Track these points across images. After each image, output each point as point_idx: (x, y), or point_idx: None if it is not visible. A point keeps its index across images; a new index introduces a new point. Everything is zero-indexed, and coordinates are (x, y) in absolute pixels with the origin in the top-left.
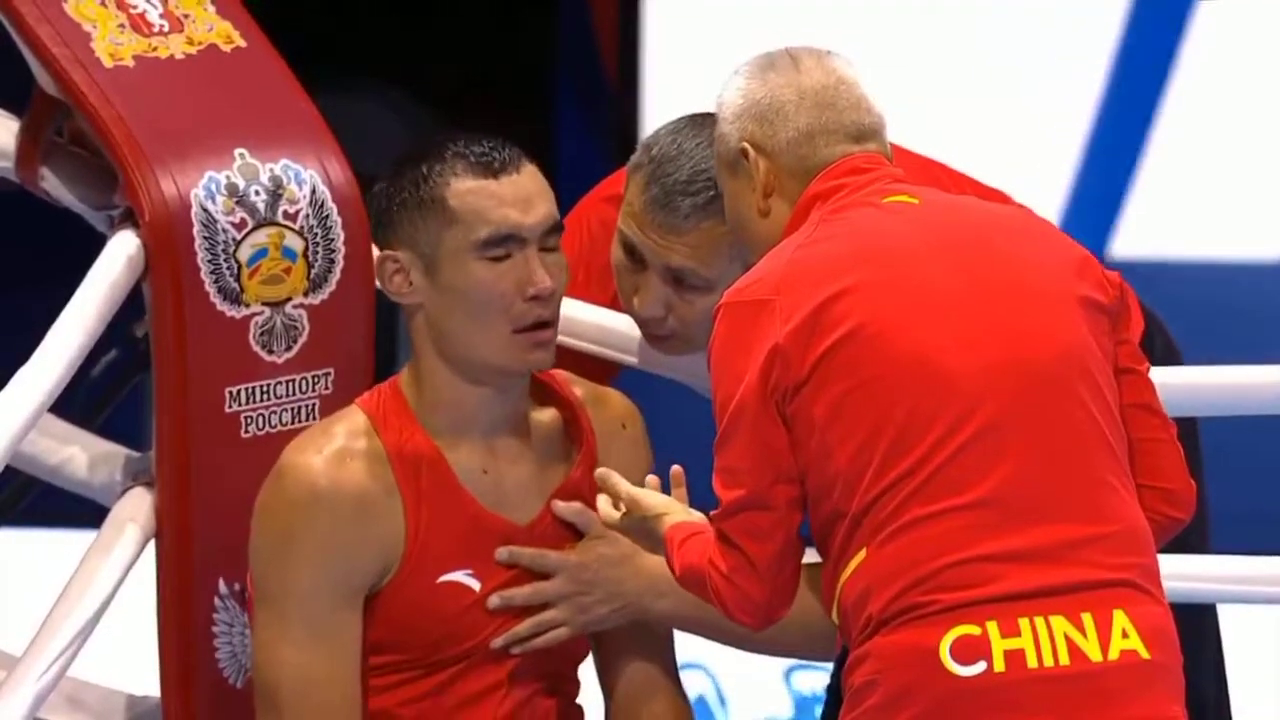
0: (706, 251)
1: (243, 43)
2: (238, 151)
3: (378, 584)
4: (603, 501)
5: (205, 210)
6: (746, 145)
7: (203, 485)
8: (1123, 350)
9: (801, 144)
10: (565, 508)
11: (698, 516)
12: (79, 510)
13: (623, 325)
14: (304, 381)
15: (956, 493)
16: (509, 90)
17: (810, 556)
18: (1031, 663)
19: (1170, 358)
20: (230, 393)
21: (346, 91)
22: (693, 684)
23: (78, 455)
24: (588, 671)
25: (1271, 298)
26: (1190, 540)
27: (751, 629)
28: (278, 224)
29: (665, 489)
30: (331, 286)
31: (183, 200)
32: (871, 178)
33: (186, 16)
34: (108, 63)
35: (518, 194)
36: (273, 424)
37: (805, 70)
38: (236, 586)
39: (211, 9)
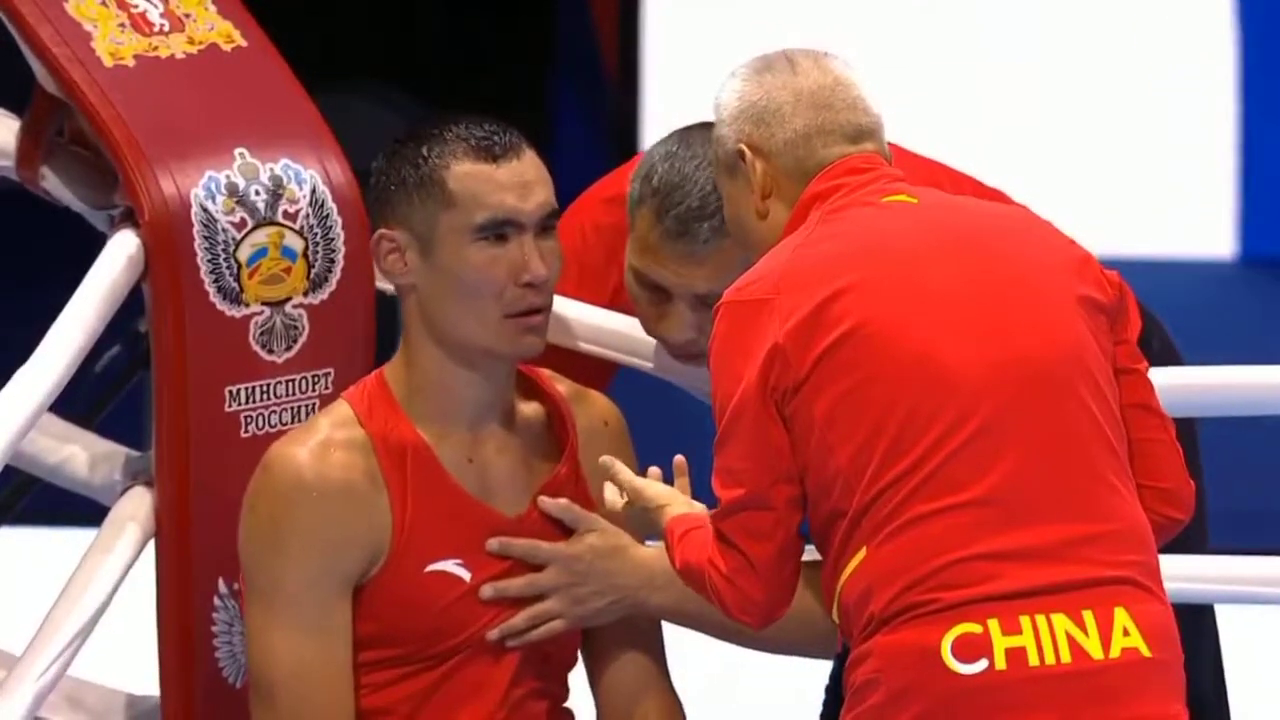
0: (728, 269)
1: (243, 42)
2: (238, 151)
3: (366, 574)
4: (609, 490)
5: (205, 210)
6: (743, 147)
7: (202, 485)
8: (1121, 350)
9: (798, 145)
10: (553, 504)
11: (699, 508)
12: (79, 509)
13: (620, 325)
14: (304, 381)
15: (957, 491)
16: (509, 86)
17: (809, 555)
18: (1033, 661)
19: (1168, 358)
20: (230, 392)
21: (346, 88)
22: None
23: (78, 454)
24: (577, 676)
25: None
26: (1189, 540)
27: (751, 628)
28: (278, 224)
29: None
30: (331, 286)
31: (183, 200)
32: (870, 178)
33: (187, 16)
34: (108, 62)
35: (517, 179)
36: (272, 423)
37: (802, 71)
38: (236, 586)
39: (212, 8)
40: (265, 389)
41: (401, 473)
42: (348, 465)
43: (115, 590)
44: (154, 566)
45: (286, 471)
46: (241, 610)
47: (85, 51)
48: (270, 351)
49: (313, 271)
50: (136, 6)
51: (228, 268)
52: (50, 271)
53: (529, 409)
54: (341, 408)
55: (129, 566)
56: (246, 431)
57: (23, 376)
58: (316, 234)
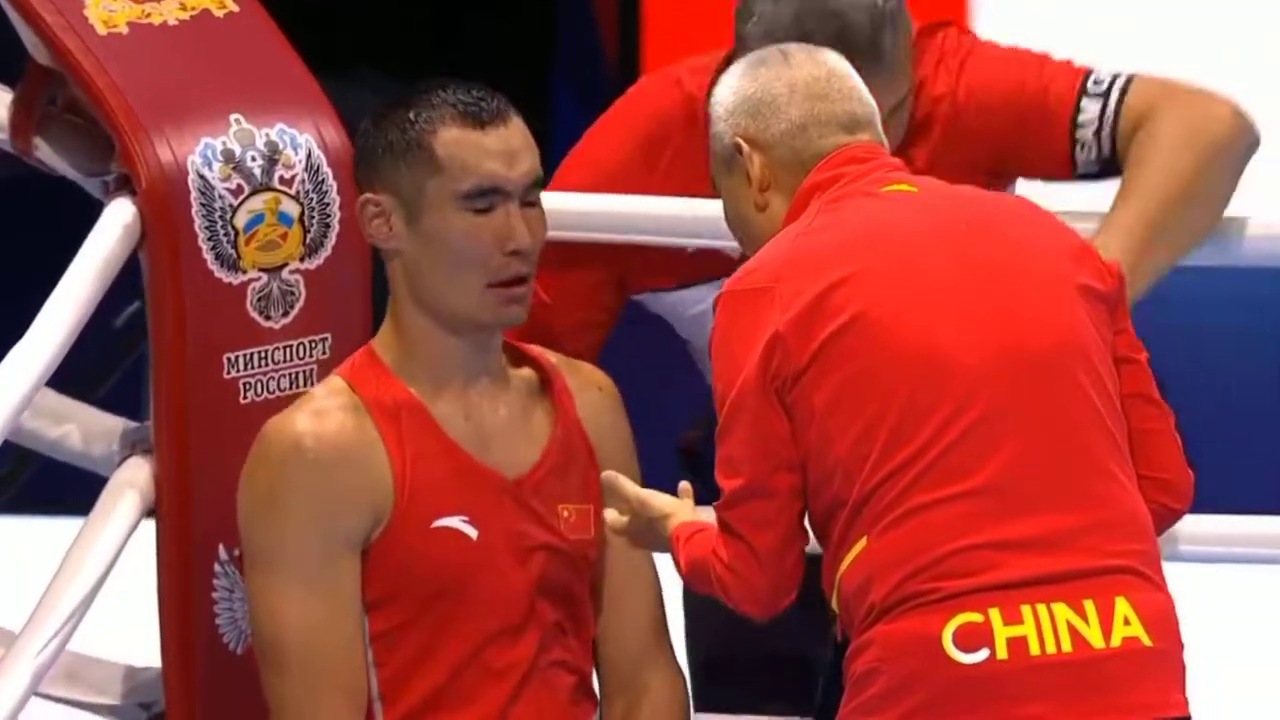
0: None
1: (235, 7)
2: (233, 117)
3: (370, 535)
4: (610, 512)
5: (202, 177)
6: (740, 140)
7: (202, 452)
8: (1121, 339)
9: (795, 136)
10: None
11: (705, 517)
12: (88, 499)
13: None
14: (302, 347)
15: (957, 480)
16: (509, 85)
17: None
18: (1034, 650)
19: None
20: (228, 359)
21: (344, 81)
22: None
23: (76, 428)
24: None
25: None
26: None
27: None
28: (274, 189)
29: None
30: (327, 251)
31: (179, 167)
32: (870, 167)
33: None
34: (101, 30)
35: (504, 147)
36: (271, 390)
37: (796, 64)
38: (236, 552)
39: None
40: (263, 355)
41: (398, 431)
42: (342, 427)
43: (115, 560)
44: (153, 535)
45: (283, 438)
46: (242, 578)
47: (78, 19)
48: (268, 318)
49: (309, 237)
50: None
51: (225, 234)
52: (46, 241)
53: (520, 373)
54: (333, 380)
55: (128, 535)
56: (245, 398)
57: (21, 350)
58: (312, 199)
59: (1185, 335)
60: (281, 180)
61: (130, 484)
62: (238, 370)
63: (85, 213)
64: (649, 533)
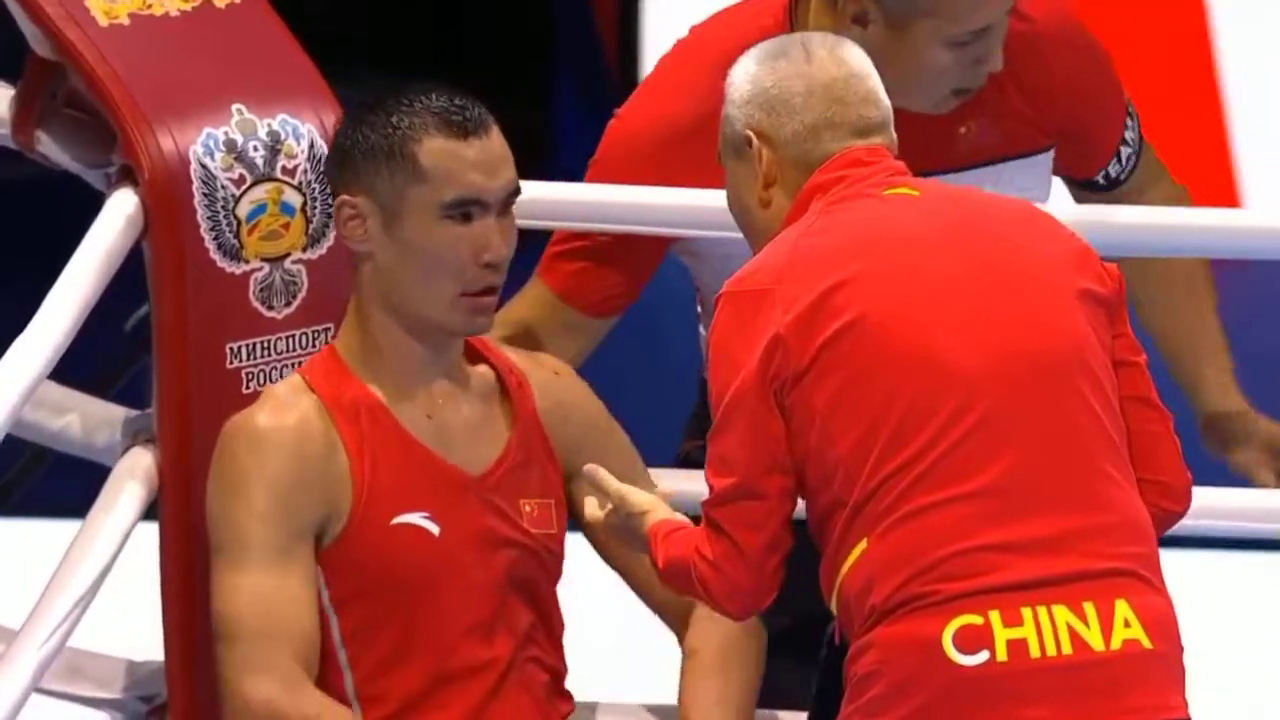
0: None
1: None
2: (235, 107)
3: (331, 530)
4: (590, 503)
5: (204, 167)
6: (751, 133)
7: (205, 441)
8: (1120, 342)
9: (806, 138)
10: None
11: (682, 517)
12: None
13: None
14: (304, 336)
15: (957, 483)
16: (509, 84)
17: None
18: (1034, 652)
19: None
20: (231, 349)
21: (345, 82)
22: None
23: (78, 418)
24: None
25: None
26: None
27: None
28: (276, 179)
29: None
30: (330, 241)
31: (182, 157)
32: (872, 170)
33: None
34: (103, 21)
35: (485, 158)
36: (273, 379)
37: (816, 62)
38: None
39: None
40: (266, 345)
41: (357, 429)
42: (303, 421)
43: (119, 551)
44: (156, 526)
45: (243, 430)
46: None
47: (80, 11)
48: (270, 308)
49: (311, 226)
50: None
51: (227, 224)
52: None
53: (478, 372)
54: (294, 378)
55: (132, 526)
56: (248, 388)
57: (24, 343)
58: (314, 189)
59: None
60: (284, 170)
61: (133, 475)
62: (240, 360)
63: (88, 204)
64: (625, 529)
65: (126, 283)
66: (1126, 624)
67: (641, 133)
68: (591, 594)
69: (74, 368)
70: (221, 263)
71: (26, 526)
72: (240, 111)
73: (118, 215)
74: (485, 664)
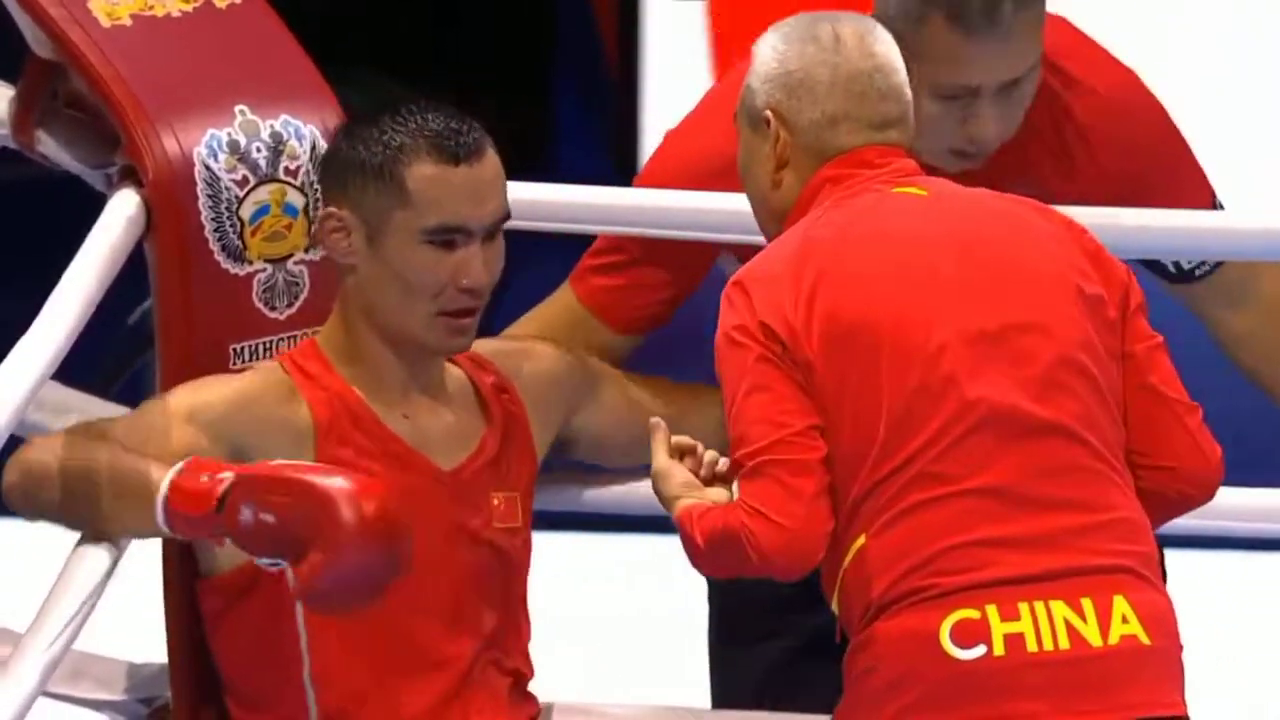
0: (1032, 40)
1: None
2: (238, 108)
3: None
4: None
5: (208, 168)
6: (770, 113)
7: None
8: (1129, 332)
9: (824, 128)
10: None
11: (713, 494)
12: None
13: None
14: (306, 337)
15: (956, 480)
16: (509, 83)
17: None
18: (1031, 647)
19: None
20: (234, 350)
21: (345, 84)
22: None
23: (79, 420)
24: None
25: None
26: None
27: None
28: (279, 180)
29: None
30: None
31: (185, 158)
32: (883, 171)
33: None
34: (105, 22)
35: (473, 185)
36: None
37: (845, 52)
38: None
39: None
40: (268, 346)
41: (330, 414)
42: (275, 397)
43: (122, 553)
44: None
45: (217, 380)
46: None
47: (82, 12)
48: (273, 308)
49: (313, 227)
50: None
51: (231, 226)
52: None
53: (455, 373)
54: (273, 363)
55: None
56: None
57: (27, 342)
58: (316, 190)
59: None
60: (287, 171)
61: None
62: (243, 361)
63: (89, 205)
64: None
65: (126, 282)
66: (1124, 620)
67: (689, 161)
68: (559, 595)
69: (76, 369)
70: (225, 264)
71: (27, 526)
72: (243, 112)
73: (120, 216)
74: (446, 660)
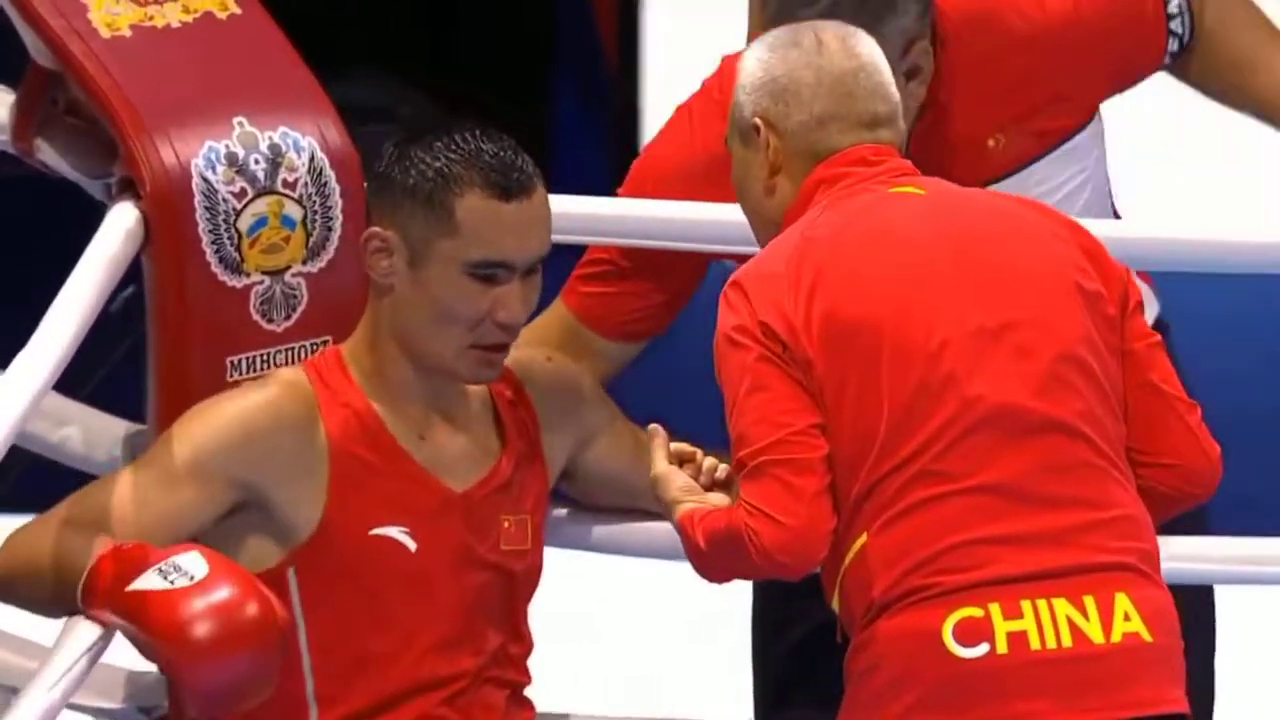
0: None
1: (237, 10)
2: (236, 120)
3: (302, 534)
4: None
5: (206, 180)
6: (759, 121)
7: None
8: (1129, 329)
9: (813, 129)
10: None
11: (712, 499)
12: None
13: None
14: (303, 350)
15: (957, 478)
16: (507, 82)
17: None
18: (1034, 644)
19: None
20: (231, 362)
21: (345, 80)
22: None
23: (78, 431)
24: (537, 666)
25: None
26: (1186, 521)
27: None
28: (277, 192)
29: None
30: (329, 254)
31: (183, 170)
32: (878, 170)
33: None
34: (105, 33)
35: (522, 223)
36: None
37: (828, 53)
38: None
39: None
40: (265, 358)
41: (346, 433)
42: (295, 410)
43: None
44: None
45: (235, 396)
46: None
47: (82, 23)
48: (270, 320)
49: (311, 240)
50: None
51: (228, 238)
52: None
53: (476, 393)
54: (298, 371)
55: None
56: None
57: (26, 355)
58: (315, 202)
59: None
60: (285, 183)
61: None
62: (240, 373)
63: (88, 215)
64: (662, 508)
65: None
66: (1126, 617)
67: (668, 164)
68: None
69: (75, 379)
70: (222, 276)
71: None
72: (241, 124)
73: (119, 228)
74: (447, 679)
